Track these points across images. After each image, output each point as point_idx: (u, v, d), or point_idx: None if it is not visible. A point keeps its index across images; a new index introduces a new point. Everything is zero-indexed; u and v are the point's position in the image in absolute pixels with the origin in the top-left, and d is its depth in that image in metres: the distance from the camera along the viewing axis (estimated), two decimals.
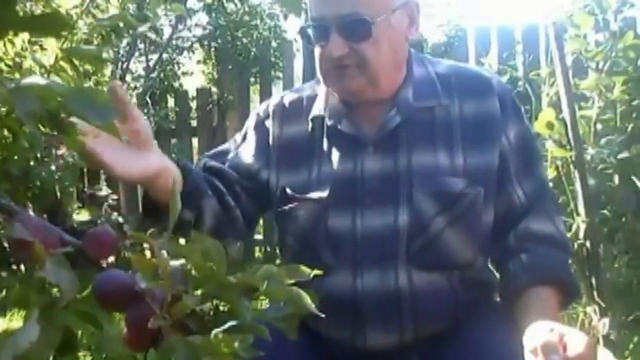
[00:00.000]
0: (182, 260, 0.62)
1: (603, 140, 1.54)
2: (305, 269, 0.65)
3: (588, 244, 1.32)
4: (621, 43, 1.55)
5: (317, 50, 0.98)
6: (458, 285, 0.98)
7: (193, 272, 0.61)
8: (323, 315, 0.61)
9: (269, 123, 1.08)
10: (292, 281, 0.63)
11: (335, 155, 1.01)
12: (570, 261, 1.00)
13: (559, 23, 1.51)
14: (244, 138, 1.11)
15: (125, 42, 3.76)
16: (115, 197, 3.31)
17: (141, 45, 3.95)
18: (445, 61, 1.08)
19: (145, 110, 3.60)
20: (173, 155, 3.71)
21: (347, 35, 0.93)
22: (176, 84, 4.02)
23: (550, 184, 1.56)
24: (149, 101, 3.67)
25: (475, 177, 0.96)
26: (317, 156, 1.02)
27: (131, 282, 0.56)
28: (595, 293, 1.31)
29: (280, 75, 3.84)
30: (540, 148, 1.53)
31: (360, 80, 0.95)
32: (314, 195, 0.99)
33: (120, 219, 3.32)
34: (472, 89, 1.01)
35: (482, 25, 3.59)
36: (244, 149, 1.09)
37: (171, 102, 3.89)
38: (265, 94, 3.73)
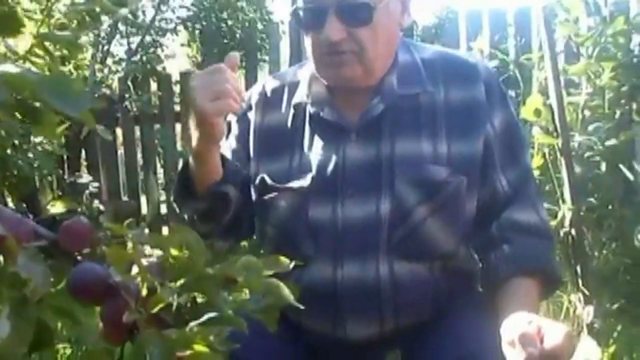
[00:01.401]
0: (159, 252, 0.61)
1: (591, 127, 1.53)
2: (284, 260, 0.65)
3: (574, 231, 1.32)
4: (611, 28, 1.54)
5: (310, 35, 0.96)
6: (439, 275, 0.97)
7: (171, 262, 0.60)
8: (302, 307, 0.61)
9: (251, 114, 1.07)
10: (270, 272, 0.63)
11: (317, 143, 1.00)
12: (552, 251, 0.99)
13: (549, 7, 1.49)
14: (228, 130, 1.09)
15: (105, 24, 3.69)
16: (96, 184, 3.28)
17: (122, 27, 3.87)
18: (431, 47, 1.07)
19: (127, 95, 3.54)
20: (156, 142, 3.68)
21: (346, 20, 0.91)
22: (159, 68, 3.95)
23: (537, 172, 1.56)
24: (131, 85, 3.59)
25: (458, 166, 0.96)
26: (298, 144, 1.01)
27: (106, 275, 0.55)
28: (580, 281, 1.32)
29: (267, 58, 3.80)
30: (527, 135, 1.52)
31: (356, 68, 0.94)
32: (295, 184, 0.99)
33: (102, 207, 3.30)
34: (458, 75, 1.00)
35: (474, 8, 3.57)
36: (228, 141, 1.08)
37: (154, 86, 3.80)
38: (251, 78, 3.69)
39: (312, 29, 0.94)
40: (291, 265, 0.63)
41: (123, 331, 0.55)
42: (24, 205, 2.49)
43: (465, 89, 0.99)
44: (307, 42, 0.97)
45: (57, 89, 0.51)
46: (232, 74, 0.91)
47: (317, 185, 0.97)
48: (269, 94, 1.06)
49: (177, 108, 3.70)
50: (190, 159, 0.98)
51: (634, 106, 1.68)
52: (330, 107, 0.99)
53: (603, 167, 1.57)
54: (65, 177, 3.25)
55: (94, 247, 0.60)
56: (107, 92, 3.41)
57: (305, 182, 0.98)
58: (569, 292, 1.58)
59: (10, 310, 0.50)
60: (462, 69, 1.00)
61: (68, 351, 2.04)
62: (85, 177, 3.22)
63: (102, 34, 3.71)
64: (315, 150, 0.99)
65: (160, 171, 3.80)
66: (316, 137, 1.00)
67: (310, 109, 1.01)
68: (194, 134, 0.93)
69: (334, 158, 0.97)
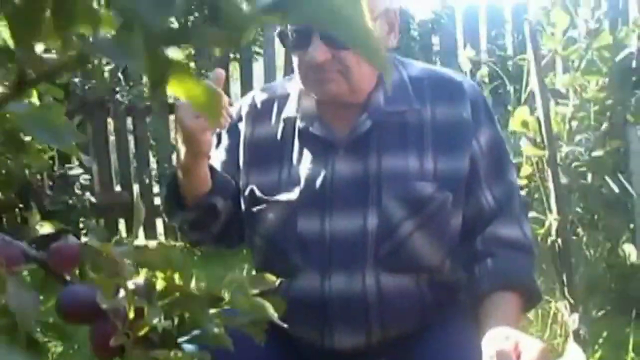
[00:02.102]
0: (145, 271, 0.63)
1: (577, 138, 1.56)
2: (271, 277, 0.66)
3: (560, 241, 1.35)
4: (596, 42, 1.57)
5: (297, 54, 0.98)
6: (425, 287, 0.99)
7: (156, 280, 0.62)
8: (287, 325, 0.63)
9: (241, 126, 1.08)
10: (257, 291, 0.65)
11: (305, 157, 1.01)
12: (534, 265, 1.02)
13: (535, 21, 1.51)
14: (219, 141, 1.11)
15: None
16: (87, 176, 3.28)
17: None
18: (418, 63, 1.09)
19: (118, 88, 3.52)
20: (149, 134, 3.67)
21: (331, 42, 0.92)
22: None
23: (525, 181, 1.59)
24: (122, 77, 3.58)
25: (444, 182, 0.98)
26: (287, 157, 1.03)
27: (93, 298, 0.57)
28: (566, 289, 1.35)
29: (261, 51, 3.81)
30: (516, 145, 1.55)
31: (341, 85, 0.96)
32: (283, 197, 1.00)
33: (93, 199, 3.29)
34: (444, 93, 1.01)
35: (471, 3, 3.58)
36: (218, 152, 1.10)
37: (146, 78, 3.78)
38: (246, 71, 3.70)
39: (297, 50, 0.96)
40: (277, 282, 0.65)
41: (111, 352, 0.57)
42: (18, 202, 2.50)
43: (452, 106, 1.01)
44: (294, 60, 0.99)
45: (40, 122, 0.52)
46: (217, 88, 0.92)
47: (305, 199, 0.99)
48: (259, 106, 1.08)
49: (170, 100, 3.69)
50: (178, 172, 1.00)
51: (624, 116, 1.72)
52: (319, 122, 1.01)
53: (589, 177, 1.59)
54: (55, 169, 3.24)
55: (83, 269, 0.62)
56: (98, 83, 3.40)
57: (293, 195, 1.00)
58: (557, 298, 1.60)
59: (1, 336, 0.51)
60: (449, 87, 1.02)
61: (59, 349, 2.06)
62: (76, 169, 3.22)
63: None
64: (304, 164, 1.01)
65: (152, 161, 3.80)
66: (305, 151, 1.02)
67: (299, 123, 1.02)
68: (182, 148, 0.95)
69: (322, 172, 0.99)
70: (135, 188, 3.69)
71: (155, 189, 3.67)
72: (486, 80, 2.10)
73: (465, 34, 3.48)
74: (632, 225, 2.05)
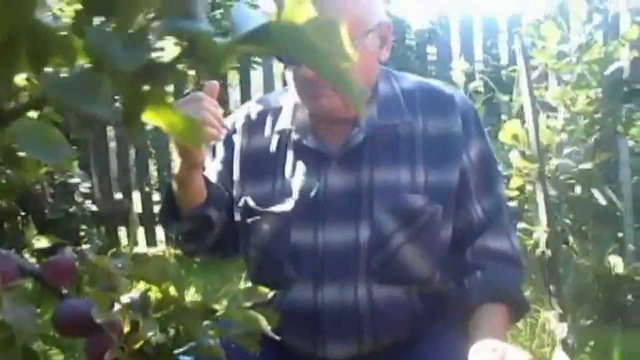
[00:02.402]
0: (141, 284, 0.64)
1: (567, 150, 1.58)
2: (264, 290, 0.68)
3: (549, 252, 1.37)
4: (586, 56, 1.59)
5: (291, 69, 0.99)
6: (416, 298, 1.01)
7: (151, 293, 0.63)
8: (280, 338, 0.64)
9: (236, 137, 1.10)
10: (250, 304, 0.66)
11: (299, 169, 1.03)
12: (522, 278, 1.04)
13: (526, 35, 1.54)
14: (214, 153, 1.12)
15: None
16: (87, 184, 3.28)
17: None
18: (411, 76, 1.10)
19: (117, 95, 3.51)
20: (149, 142, 3.67)
21: None
22: None
23: (516, 192, 1.61)
24: None
25: (435, 194, 0.99)
26: (281, 169, 1.04)
27: (90, 312, 0.58)
28: (554, 299, 1.37)
29: (259, 60, 3.82)
30: (506, 157, 1.57)
31: (334, 100, 0.97)
32: (277, 208, 1.02)
33: (93, 207, 3.30)
34: (436, 107, 1.03)
35: (466, 14, 3.61)
36: (213, 164, 1.11)
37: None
38: (244, 76, 3.71)
39: (291, 64, 0.98)
40: (270, 295, 0.66)
41: None
42: (20, 210, 2.49)
43: (443, 119, 1.02)
44: (288, 74, 1.01)
45: (36, 139, 0.53)
46: (211, 100, 0.93)
47: (299, 210, 1.00)
48: (253, 118, 1.09)
49: None
50: (174, 183, 1.01)
51: (614, 127, 1.74)
52: (312, 134, 1.03)
53: (578, 189, 1.62)
54: (55, 177, 3.24)
55: (79, 282, 0.63)
56: None
57: (287, 206, 1.01)
58: (545, 308, 1.63)
59: None
60: (440, 100, 1.04)
61: (60, 357, 2.05)
62: (76, 177, 3.22)
63: None
64: (297, 176, 1.02)
65: (152, 169, 3.78)
66: (299, 163, 1.03)
67: (293, 136, 1.04)
68: (176, 161, 0.96)
69: (315, 184, 1.00)
70: (136, 196, 3.69)
71: (156, 196, 3.67)
72: (481, 89, 2.12)
73: (461, 43, 3.51)
74: (620, 234, 2.08)
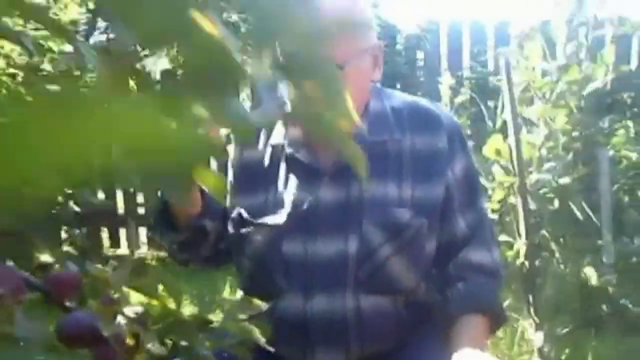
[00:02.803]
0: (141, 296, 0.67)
1: (546, 166, 1.64)
2: (258, 302, 0.71)
3: (527, 263, 1.42)
4: (566, 76, 1.65)
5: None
6: (402, 308, 1.05)
7: (150, 307, 0.66)
8: (272, 350, 0.67)
9: (230, 148, 1.13)
10: (245, 316, 0.69)
11: (292, 182, 1.06)
12: (500, 289, 1.08)
13: (508, 54, 1.59)
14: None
15: (85, 17, 3.64)
16: None
17: (102, 24, 3.83)
18: (400, 95, 1.14)
19: None
20: None
21: None
22: (138, 66, 3.87)
23: (498, 205, 1.66)
24: None
25: (420, 209, 1.03)
26: (274, 182, 1.07)
27: (95, 325, 0.60)
28: (532, 309, 1.41)
29: None
30: (489, 170, 1.62)
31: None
32: (270, 220, 1.05)
33: (76, 208, 3.27)
34: (423, 125, 1.07)
35: (455, 20, 3.65)
36: None
37: (131, 84, 3.75)
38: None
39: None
40: (264, 307, 0.69)
41: None
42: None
43: (430, 137, 1.06)
44: None
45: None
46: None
47: (291, 223, 1.03)
48: None
49: None
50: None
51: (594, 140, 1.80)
52: (305, 149, 1.06)
53: (556, 203, 1.68)
54: None
55: (83, 297, 0.65)
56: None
57: (280, 218, 1.04)
58: (525, 317, 1.68)
59: None
60: (427, 119, 1.07)
61: None
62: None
63: (81, 29, 3.66)
64: (290, 189, 1.05)
65: None
66: (291, 177, 1.06)
67: (287, 150, 1.07)
68: None
69: (307, 198, 1.04)
70: (119, 197, 3.68)
71: (139, 198, 3.66)
72: (467, 105, 2.17)
73: (448, 49, 3.55)
74: (600, 242, 2.13)
